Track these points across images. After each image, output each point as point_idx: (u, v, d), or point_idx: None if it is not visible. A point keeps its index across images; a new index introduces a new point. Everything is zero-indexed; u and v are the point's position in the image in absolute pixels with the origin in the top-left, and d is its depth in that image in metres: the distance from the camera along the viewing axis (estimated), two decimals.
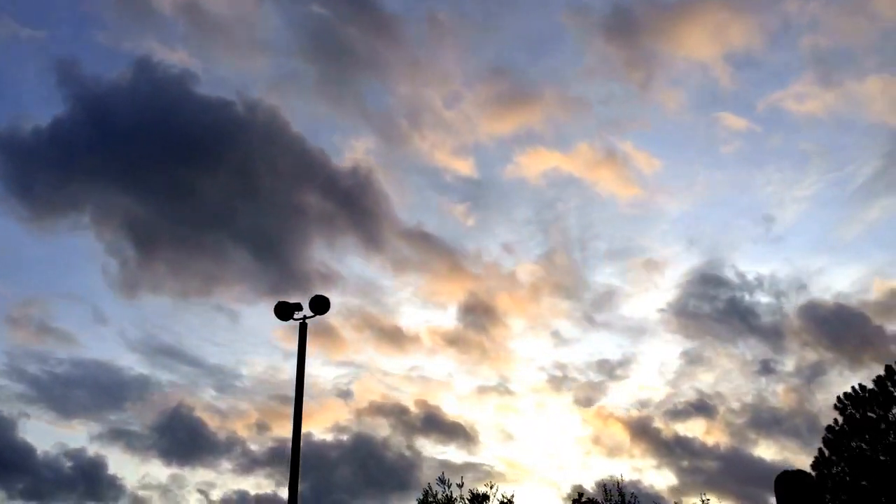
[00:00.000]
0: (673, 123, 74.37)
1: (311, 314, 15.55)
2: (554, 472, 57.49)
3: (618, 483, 26.13)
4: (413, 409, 54.43)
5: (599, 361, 63.57)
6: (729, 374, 61.44)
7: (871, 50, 69.76)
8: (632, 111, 75.24)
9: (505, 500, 26.04)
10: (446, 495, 25.95)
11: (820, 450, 30.85)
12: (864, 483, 28.84)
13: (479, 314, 63.96)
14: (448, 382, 61.02)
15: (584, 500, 26.34)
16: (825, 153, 69.64)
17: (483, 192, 72.30)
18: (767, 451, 58.66)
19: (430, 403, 56.33)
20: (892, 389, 30.01)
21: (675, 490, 44.34)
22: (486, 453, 56.46)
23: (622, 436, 56.52)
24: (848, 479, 29.46)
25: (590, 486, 44.91)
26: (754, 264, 76.30)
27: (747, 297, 62.46)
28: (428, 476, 50.97)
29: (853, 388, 31.05)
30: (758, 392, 57.69)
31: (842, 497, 29.21)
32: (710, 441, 53.24)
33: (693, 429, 58.68)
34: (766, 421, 53.97)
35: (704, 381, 61.79)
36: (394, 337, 61.36)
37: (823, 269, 76.80)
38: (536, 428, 60.36)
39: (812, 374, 56.97)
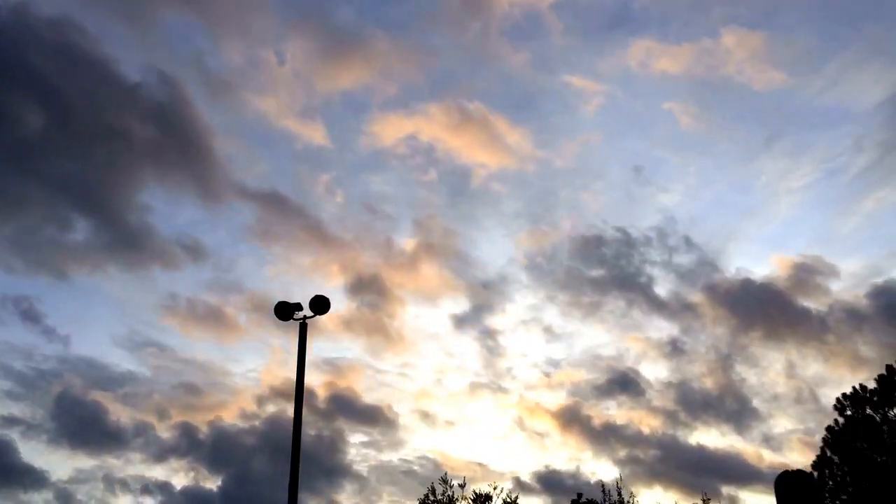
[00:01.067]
0: (519, 82, 71.24)
1: (311, 314, 15.57)
2: (483, 459, 56.35)
3: (617, 483, 26.13)
4: (323, 393, 52.51)
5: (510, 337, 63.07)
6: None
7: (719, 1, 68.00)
8: (476, 69, 71.61)
9: (509, 501, 26.06)
10: (448, 496, 25.92)
11: (821, 449, 30.87)
12: (864, 483, 28.84)
13: (368, 290, 61.02)
14: (354, 365, 58.51)
15: (583, 500, 26.31)
16: (690, 111, 69.37)
17: (338, 161, 68.75)
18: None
19: (341, 386, 54.98)
20: (892, 389, 30.01)
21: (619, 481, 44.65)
22: (412, 440, 55.26)
23: (549, 421, 54.95)
24: (848, 479, 29.46)
25: (527, 477, 44.30)
26: (632, 219, 74.81)
27: (636, 258, 61.57)
28: (351, 459, 49.66)
29: (853, 387, 31.09)
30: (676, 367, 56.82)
31: (842, 497, 29.21)
32: (641, 425, 52.07)
33: (621, 413, 56.77)
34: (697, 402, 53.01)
35: (618, 355, 60.11)
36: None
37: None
38: (456, 410, 58.60)
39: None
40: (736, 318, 59.05)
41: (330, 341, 61.25)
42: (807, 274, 59.61)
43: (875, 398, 30.29)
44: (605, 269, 61.86)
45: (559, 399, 59.06)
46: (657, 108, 69.61)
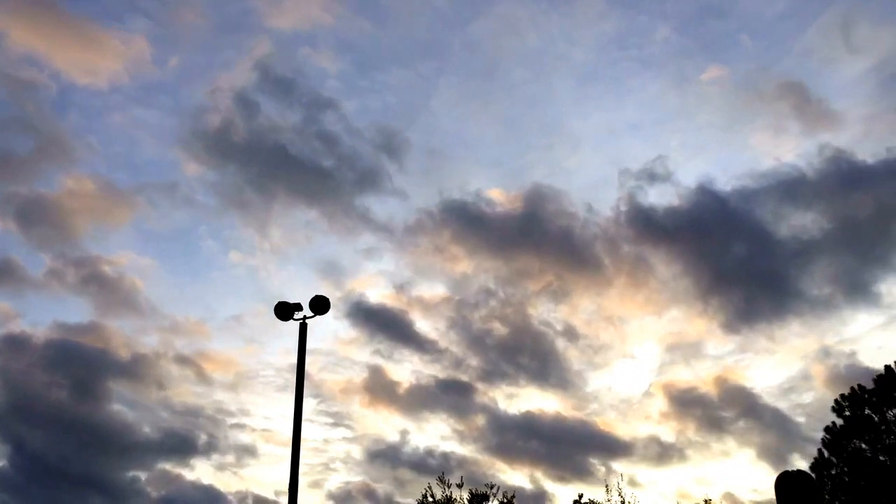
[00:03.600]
0: None
1: (312, 314, 15.60)
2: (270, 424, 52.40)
3: (618, 483, 26.17)
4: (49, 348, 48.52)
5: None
6: None
7: None
8: None
9: (505, 501, 26.11)
10: (446, 495, 25.96)
11: (819, 450, 30.90)
12: (863, 483, 28.86)
13: (39, 223, 54.55)
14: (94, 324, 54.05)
15: (584, 501, 26.33)
16: None
17: None
18: None
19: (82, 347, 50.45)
20: (891, 390, 30.02)
21: (466, 459, 41.34)
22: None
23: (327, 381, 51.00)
24: (847, 479, 29.47)
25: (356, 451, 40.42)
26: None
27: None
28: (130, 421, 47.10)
29: (852, 388, 31.08)
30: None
31: (842, 497, 29.23)
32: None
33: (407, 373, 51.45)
34: None
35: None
36: None
37: None
38: (225, 367, 54.68)
39: None
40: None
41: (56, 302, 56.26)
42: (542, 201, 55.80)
43: (874, 398, 30.31)
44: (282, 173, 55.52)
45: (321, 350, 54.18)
46: None
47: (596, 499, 26.15)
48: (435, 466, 40.90)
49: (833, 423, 31.06)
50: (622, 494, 25.70)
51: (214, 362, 55.29)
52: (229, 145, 55.84)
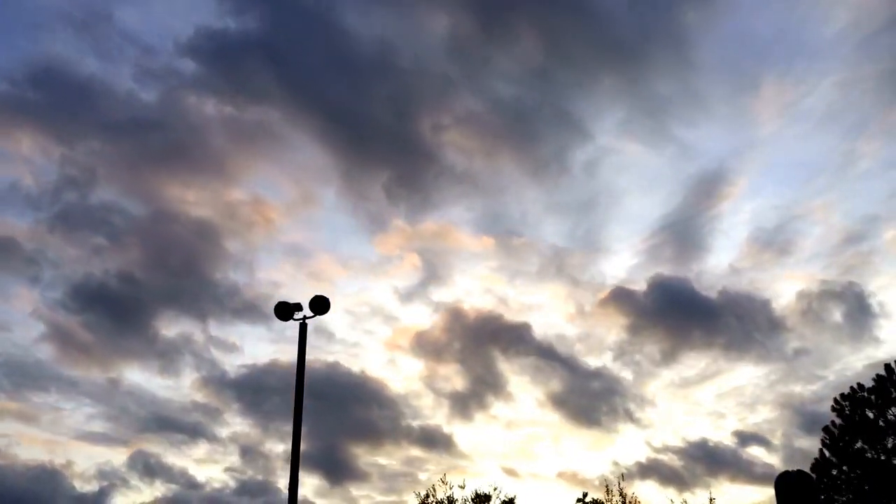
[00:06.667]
0: None
1: (311, 314, 15.59)
2: None
3: (618, 482, 26.13)
4: None
5: None
6: None
7: None
8: None
9: (507, 501, 26.20)
10: (448, 496, 26.04)
11: (820, 450, 30.90)
12: (863, 484, 28.87)
13: None
14: None
15: (587, 500, 26.29)
16: None
17: None
18: None
19: None
20: (890, 389, 30.04)
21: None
22: None
23: None
24: (847, 479, 29.48)
25: None
26: None
27: None
28: None
29: (851, 387, 31.11)
30: None
31: (842, 498, 29.24)
32: None
33: None
34: None
35: None
36: None
37: None
38: None
39: None
40: None
41: None
42: None
43: (873, 398, 30.32)
44: None
45: None
46: None
47: (597, 498, 26.10)
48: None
49: (833, 422, 31.07)
50: (623, 494, 25.63)
51: None
52: None
